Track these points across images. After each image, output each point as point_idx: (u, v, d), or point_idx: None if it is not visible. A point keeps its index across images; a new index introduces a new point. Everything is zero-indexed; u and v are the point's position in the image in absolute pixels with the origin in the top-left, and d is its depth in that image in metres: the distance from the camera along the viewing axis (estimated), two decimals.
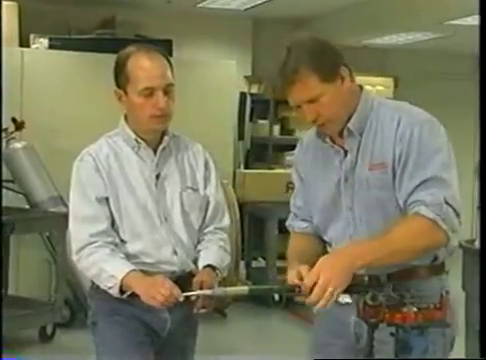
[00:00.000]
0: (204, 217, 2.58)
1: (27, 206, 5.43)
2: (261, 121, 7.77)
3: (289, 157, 7.26)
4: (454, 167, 2.15)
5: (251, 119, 7.78)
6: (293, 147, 8.09)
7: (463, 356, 3.89)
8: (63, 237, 5.12)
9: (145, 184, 2.50)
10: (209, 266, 2.49)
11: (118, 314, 2.46)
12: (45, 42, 6.21)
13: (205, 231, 2.59)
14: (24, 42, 6.18)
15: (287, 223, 2.46)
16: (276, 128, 7.68)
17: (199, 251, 2.56)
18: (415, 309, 2.13)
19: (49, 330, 5.18)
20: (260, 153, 7.70)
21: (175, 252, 2.50)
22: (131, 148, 2.52)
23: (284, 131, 7.72)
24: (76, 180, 2.51)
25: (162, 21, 7.23)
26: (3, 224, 4.67)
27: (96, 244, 2.42)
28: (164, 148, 2.53)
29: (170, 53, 5.89)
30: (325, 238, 2.33)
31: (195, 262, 2.54)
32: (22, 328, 5.10)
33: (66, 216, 5.10)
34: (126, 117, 2.55)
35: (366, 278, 2.09)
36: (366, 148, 2.18)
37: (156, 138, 2.53)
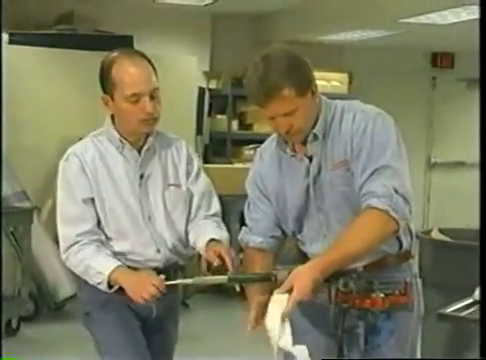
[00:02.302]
0: (190, 211, 2.63)
1: None
2: (219, 116, 7.83)
3: (248, 151, 7.39)
4: (404, 157, 2.27)
5: (209, 114, 7.82)
6: (251, 142, 8.12)
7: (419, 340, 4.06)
8: (28, 232, 5.16)
9: (129, 184, 2.56)
10: (213, 240, 2.49)
11: (110, 303, 2.54)
12: (5, 37, 6.18)
13: (195, 220, 2.63)
14: None
15: (239, 237, 2.45)
16: (234, 123, 7.75)
17: (197, 232, 2.58)
18: (382, 295, 2.29)
19: (14, 324, 5.23)
20: (219, 148, 7.75)
21: (158, 251, 2.58)
22: (116, 148, 2.57)
23: (242, 126, 7.79)
24: (63, 180, 2.56)
25: (121, 16, 7.23)
26: None
27: (82, 242, 2.50)
28: (148, 148, 2.59)
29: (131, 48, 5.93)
30: (299, 237, 2.42)
31: (187, 248, 2.62)
32: None
33: (31, 211, 5.22)
34: (112, 117, 2.59)
35: None
36: (329, 149, 2.29)
37: (140, 139, 2.58)
